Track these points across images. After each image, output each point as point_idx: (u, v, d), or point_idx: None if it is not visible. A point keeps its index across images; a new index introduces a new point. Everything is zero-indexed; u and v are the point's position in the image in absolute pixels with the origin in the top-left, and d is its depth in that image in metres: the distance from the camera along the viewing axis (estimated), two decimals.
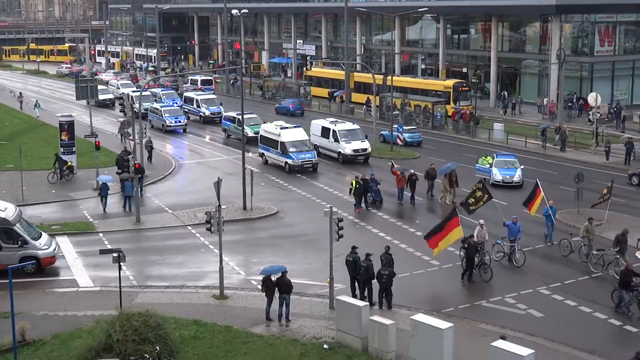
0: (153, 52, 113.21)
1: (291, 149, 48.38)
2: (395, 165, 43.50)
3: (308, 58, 78.66)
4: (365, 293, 27.12)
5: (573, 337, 24.71)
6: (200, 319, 25.80)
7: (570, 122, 62.03)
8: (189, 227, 37.00)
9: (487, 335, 24.22)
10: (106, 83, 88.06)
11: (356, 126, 53.02)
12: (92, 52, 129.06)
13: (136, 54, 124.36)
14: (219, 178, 30.69)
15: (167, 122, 63.33)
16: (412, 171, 41.64)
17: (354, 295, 27.00)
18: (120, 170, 43.88)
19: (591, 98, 56.06)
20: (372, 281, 27.07)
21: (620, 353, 23.20)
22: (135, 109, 48.64)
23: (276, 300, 25.77)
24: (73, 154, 47.91)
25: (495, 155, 46.28)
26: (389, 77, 63.70)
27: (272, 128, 50.70)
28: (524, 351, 19.81)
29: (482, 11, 74.48)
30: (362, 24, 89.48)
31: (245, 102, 45.57)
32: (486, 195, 33.10)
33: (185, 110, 68.66)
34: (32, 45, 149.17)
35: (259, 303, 26.70)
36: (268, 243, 34.94)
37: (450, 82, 69.28)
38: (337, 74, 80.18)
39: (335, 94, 78.15)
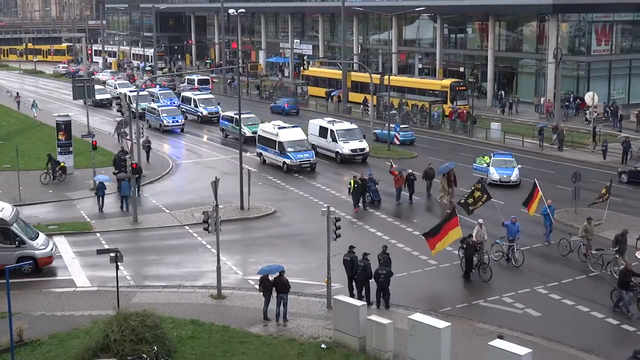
0: (150, 51, 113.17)
1: (289, 149, 48.35)
2: (394, 165, 43.50)
3: (305, 57, 78.97)
4: (363, 292, 27.07)
5: (570, 336, 24.72)
6: (197, 318, 25.78)
7: (567, 122, 62.12)
8: (187, 227, 36.97)
9: (485, 334, 24.21)
10: (103, 83, 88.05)
11: (354, 126, 53.04)
12: (89, 52, 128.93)
13: (133, 54, 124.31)
14: (216, 178, 30.68)
15: (165, 121, 63.28)
16: (410, 171, 41.65)
17: (352, 295, 26.99)
18: (117, 170, 43.86)
19: (588, 97, 56.17)
20: (370, 281, 27.05)
21: (618, 352, 23.19)
22: (133, 109, 48.60)
23: (274, 300, 25.76)
24: (70, 153, 47.88)
25: (492, 154, 46.31)
26: (386, 77, 63.71)
27: (270, 128, 50.67)
28: (522, 350, 19.80)
29: (479, 10, 74.51)
30: (359, 24, 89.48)
31: (243, 102, 45.55)
32: (485, 196, 33.11)
33: (183, 110, 68.63)
34: (30, 45, 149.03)
35: (257, 303, 26.69)
36: (265, 243, 34.93)
37: (448, 82, 69.32)
38: (335, 73, 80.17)
39: (332, 94, 78.19)
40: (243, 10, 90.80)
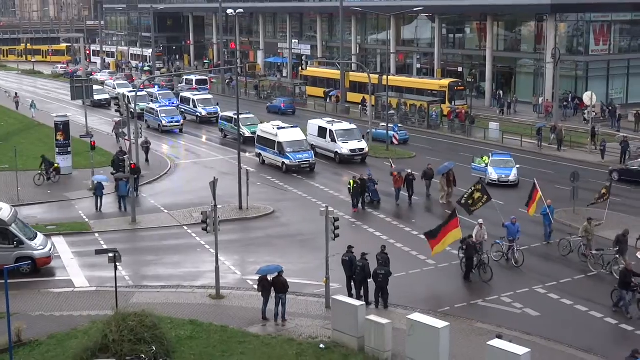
0: (148, 52, 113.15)
1: (288, 149, 48.33)
2: (394, 166, 43.49)
3: (303, 58, 78.81)
4: (362, 292, 27.08)
5: (569, 335, 24.73)
6: (196, 318, 25.78)
7: (566, 121, 62.12)
8: (185, 227, 36.95)
9: (484, 334, 24.22)
10: (102, 83, 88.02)
11: (353, 126, 53.02)
12: (88, 52, 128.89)
13: (131, 54, 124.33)
14: (215, 178, 30.67)
15: (164, 122, 63.26)
16: (409, 171, 41.64)
17: (350, 295, 27.01)
18: (115, 171, 43.83)
19: (586, 97, 56.14)
20: (368, 280, 27.04)
21: (616, 352, 23.20)
22: (131, 109, 48.56)
23: (272, 300, 25.77)
24: (68, 154, 47.84)
25: (491, 154, 46.32)
26: (385, 77, 63.70)
27: (269, 128, 50.64)
28: (520, 350, 19.80)
29: (477, 10, 74.54)
30: (358, 24, 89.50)
31: (241, 102, 45.52)
32: (485, 196, 33.06)
33: (182, 110, 68.60)
34: (29, 46, 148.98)
35: (255, 303, 26.68)
36: (264, 243, 34.93)
37: (446, 82, 69.33)
38: (333, 73, 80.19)
39: (330, 94, 78.19)
40: (241, 10, 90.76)
